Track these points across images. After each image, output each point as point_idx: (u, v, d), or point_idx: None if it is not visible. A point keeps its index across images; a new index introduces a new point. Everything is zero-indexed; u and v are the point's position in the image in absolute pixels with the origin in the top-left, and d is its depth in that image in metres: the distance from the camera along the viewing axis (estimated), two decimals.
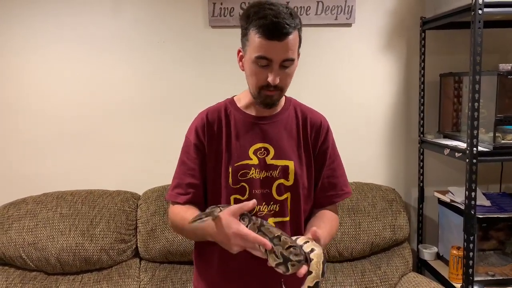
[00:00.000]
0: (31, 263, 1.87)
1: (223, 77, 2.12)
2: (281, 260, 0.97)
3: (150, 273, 1.92)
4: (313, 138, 1.22)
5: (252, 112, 1.20)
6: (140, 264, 1.97)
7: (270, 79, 1.07)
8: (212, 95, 2.12)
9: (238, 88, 2.15)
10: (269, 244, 0.96)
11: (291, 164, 1.17)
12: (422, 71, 2.14)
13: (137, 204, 2.02)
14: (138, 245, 1.96)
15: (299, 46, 1.12)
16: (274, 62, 1.06)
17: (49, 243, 1.87)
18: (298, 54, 1.15)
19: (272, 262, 0.98)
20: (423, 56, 2.12)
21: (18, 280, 1.86)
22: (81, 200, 1.97)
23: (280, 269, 0.98)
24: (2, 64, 2.05)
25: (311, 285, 0.96)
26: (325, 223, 1.18)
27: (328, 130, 1.24)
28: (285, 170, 1.16)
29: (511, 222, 1.87)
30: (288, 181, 1.16)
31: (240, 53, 1.15)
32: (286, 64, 1.08)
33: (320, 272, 0.98)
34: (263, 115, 1.20)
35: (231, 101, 1.24)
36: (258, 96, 1.13)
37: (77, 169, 2.12)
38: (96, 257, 1.89)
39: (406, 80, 2.21)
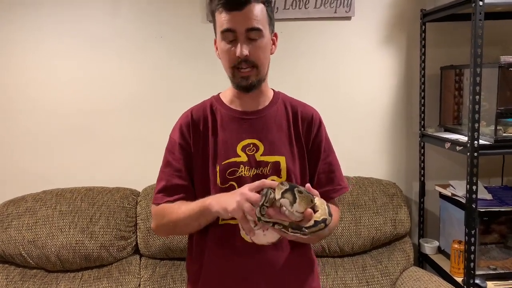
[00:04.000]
0: (31, 261, 1.87)
1: (221, 72, 2.10)
2: (287, 187, 0.90)
3: (150, 269, 1.92)
4: (305, 132, 1.17)
5: (237, 107, 1.17)
6: (140, 260, 1.96)
7: (237, 51, 1.05)
8: (211, 91, 2.11)
9: None
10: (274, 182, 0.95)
11: (282, 159, 1.12)
12: (423, 64, 2.12)
13: (137, 201, 2.01)
14: (138, 241, 1.95)
15: (271, 24, 1.11)
16: (238, 33, 1.05)
17: (49, 240, 1.86)
18: (276, 36, 1.15)
19: (278, 193, 0.91)
20: (423, 49, 2.11)
21: (19, 278, 1.86)
22: (81, 197, 1.96)
23: (287, 199, 0.90)
24: (1, 60, 2.04)
25: (319, 220, 0.91)
26: None
27: (320, 123, 1.20)
28: (276, 167, 1.11)
29: None
30: (280, 177, 1.11)
31: (215, 44, 1.14)
32: (252, 35, 1.05)
33: (327, 211, 0.93)
34: (249, 110, 1.16)
35: (216, 98, 1.21)
36: (234, 79, 1.11)
37: (76, 166, 2.11)
38: (96, 254, 1.88)
39: (407, 74, 2.19)
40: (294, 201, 0.90)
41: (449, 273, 1.92)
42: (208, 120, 1.16)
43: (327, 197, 1.18)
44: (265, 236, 0.98)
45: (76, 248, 1.86)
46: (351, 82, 2.17)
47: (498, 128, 1.75)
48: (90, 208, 1.93)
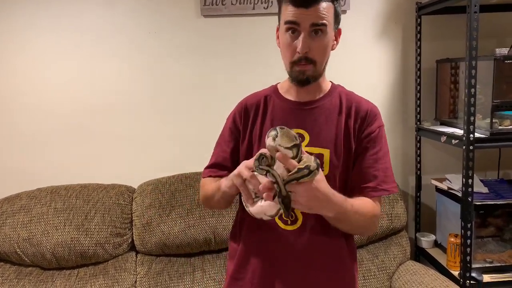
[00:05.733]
0: (26, 259, 1.86)
1: (215, 68, 2.10)
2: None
3: (146, 266, 1.91)
4: (357, 127, 1.14)
5: (291, 97, 1.17)
6: (136, 257, 1.96)
7: (298, 47, 1.04)
8: (205, 87, 2.12)
9: (232, 79, 2.14)
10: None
11: (326, 152, 1.10)
12: (418, 57, 2.11)
13: (132, 198, 2.00)
14: (134, 238, 1.94)
15: (336, 22, 1.11)
16: (302, 27, 1.04)
17: (44, 238, 1.85)
18: (339, 33, 1.14)
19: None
20: (419, 42, 2.10)
21: (14, 276, 1.85)
22: (76, 195, 1.95)
23: (271, 136, 0.95)
24: None
25: (302, 167, 0.91)
26: (355, 198, 1.08)
27: (375, 119, 1.16)
28: (319, 159, 1.07)
29: (509, 209, 1.87)
30: (322, 170, 1.05)
31: (277, 32, 1.15)
32: (316, 30, 1.04)
33: (312, 160, 0.93)
34: (302, 101, 1.16)
35: (274, 87, 1.23)
36: (291, 73, 1.11)
37: (71, 163, 2.10)
38: (92, 251, 1.87)
39: (402, 67, 2.18)
40: (276, 135, 0.95)
41: (446, 266, 1.92)
42: (260, 108, 1.19)
43: (365, 194, 1.12)
44: (262, 207, 0.97)
45: (72, 245, 1.85)
46: (346, 77, 2.12)
47: (493, 121, 1.74)
48: (85, 205, 1.92)
